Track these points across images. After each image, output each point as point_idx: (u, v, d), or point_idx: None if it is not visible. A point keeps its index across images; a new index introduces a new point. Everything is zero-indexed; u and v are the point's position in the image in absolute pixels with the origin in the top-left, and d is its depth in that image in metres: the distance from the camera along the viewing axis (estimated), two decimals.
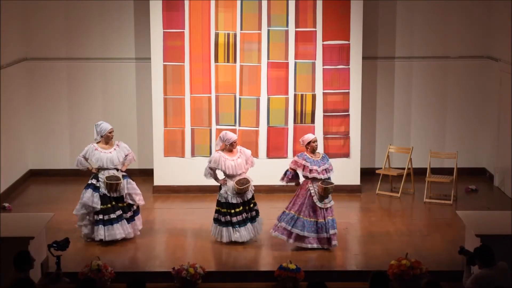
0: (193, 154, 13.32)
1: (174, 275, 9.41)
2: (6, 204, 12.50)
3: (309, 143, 10.71)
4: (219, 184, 10.93)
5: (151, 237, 11.29)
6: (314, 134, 11.40)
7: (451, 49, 14.16)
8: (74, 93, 14.19)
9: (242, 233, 10.80)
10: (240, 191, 10.72)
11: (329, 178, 10.64)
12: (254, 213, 10.93)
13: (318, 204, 10.55)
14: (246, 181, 10.77)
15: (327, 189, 10.52)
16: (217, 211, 10.88)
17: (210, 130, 13.28)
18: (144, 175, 14.01)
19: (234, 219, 10.78)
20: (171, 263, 9.99)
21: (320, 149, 13.24)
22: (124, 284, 7.59)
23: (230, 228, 10.79)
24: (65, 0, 13.88)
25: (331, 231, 10.58)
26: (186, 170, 13.34)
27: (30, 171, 14.32)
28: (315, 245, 10.62)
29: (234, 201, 10.78)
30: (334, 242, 10.63)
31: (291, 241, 10.66)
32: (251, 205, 10.91)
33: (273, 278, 9.53)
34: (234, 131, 13.18)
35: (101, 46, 14.04)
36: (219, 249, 10.73)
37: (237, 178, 10.76)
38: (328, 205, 10.60)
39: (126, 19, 13.96)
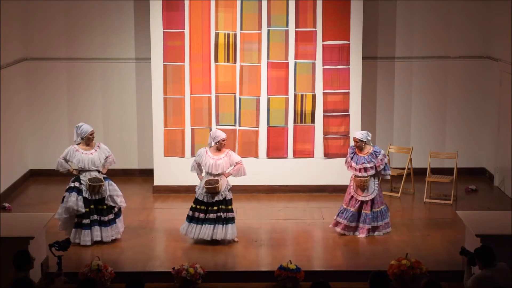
0: (193, 154, 13.31)
1: (174, 275, 9.41)
2: (6, 204, 12.50)
3: (354, 141, 11.28)
4: None
5: (151, 237, 11.30)
6: (357, 132, 11.49)
7: (451, 49, 14.16)
8: (74, 93, 14.19)
9: (194, 230, 10.82)
10: (207, 190, 10.76)
11: (374, 175, 11.15)
12: (221, 215, 10.82)
13: (353, 194, 11.19)
14: (214, 182, 10.76)
15: (357, 181, 11.08)
16: (190, 207, 11.01)
17: (210, 130, 13.26)
18: (144, 175, 14.03)
19: (196, 214, 10.85)
20: (171, 263, 10.00)
21: (320, 149, 13.26)
22: (124, 284, 7.58)
23: (188, 222, 10.89)
24: (65, 0, 13.88)
25: (367, 225, 11.14)
26: (186, 170, 13.24)
27: (30, 171, 14.32)
28: (342, 232, 11.27)
29: (200, 198, 10.85)
30: (376, 233, 11.22)
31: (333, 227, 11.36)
32: (215, 208, 10.82)
33: (273, 278, 9.52)
34: (234, 131, 13.20)
35: (101, 46, 14.04)
36: (219, 249, 10.73)
37: (211, 177, 10.82)
38: (362, 198, 11.11)
39: (126, 19, 13.96)
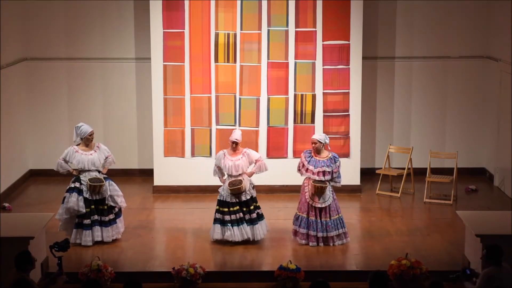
0: (193, 154, 13.33)
1: (174, 275, 9.42)
2: (6, 204, 12.51)
3: (312, 143, 10.88)
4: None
5: (151, 237, 11.29)
6: (316, 134, 11.44)
7: (451, 49, 14.16)
8: (74, 93, 14.19)
9: (235, 233, 10.78)
10: (231, 192, 10.74)
11: (330, 180, 10.79)
12: (255, 215, 10.88)
13: (309, 201, 10.78)
14: (238, 182, 10.75)
15: (316, 188, 10.68)
16: (216, 210, 10.91)
17: (210, 130, 13.28)
18: (144, 175, 14.03)
19: (227, 217, 10.78)
20: (171, 263, 10.00)
21: None
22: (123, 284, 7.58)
23: (220, 225, 10.81)
24: (65, 0, 13.89)
25: (330, 233, 10.80)
26: (186, 170, 13.35)
27: (30, 171, 14.32)
28: (303, 242, 10.84)
29: (228, 199, 10.80)
30: (337, 242, 10.84)
31: (294, 237, 10.96)
32: (251, 207, 10.88)
33: (273, 278, 9.53)
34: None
35: (101, 46, 14.05)
36: (219, 249, 10.73)
37: (233, 178, 10.79)
38: (319, 205, 10.75)
39: (126, 19, 13.96)
